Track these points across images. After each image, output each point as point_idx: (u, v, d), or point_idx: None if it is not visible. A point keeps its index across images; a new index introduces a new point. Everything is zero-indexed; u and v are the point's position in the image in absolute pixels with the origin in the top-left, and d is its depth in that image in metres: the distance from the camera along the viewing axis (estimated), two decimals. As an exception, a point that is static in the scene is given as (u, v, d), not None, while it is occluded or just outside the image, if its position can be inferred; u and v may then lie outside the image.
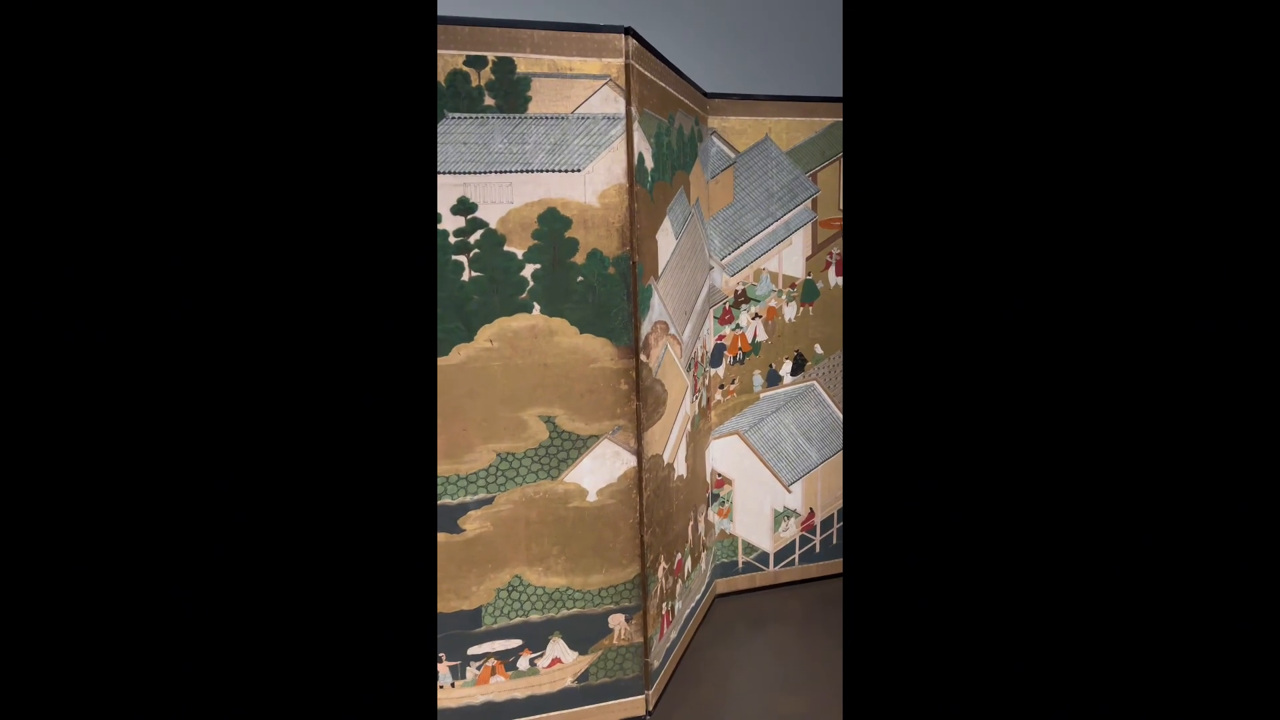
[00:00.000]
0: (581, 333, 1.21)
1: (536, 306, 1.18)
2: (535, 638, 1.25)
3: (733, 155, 1.65)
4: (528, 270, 1.17)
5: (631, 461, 1.26)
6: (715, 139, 1.63)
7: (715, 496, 1.75)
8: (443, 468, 1.17)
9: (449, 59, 1.09)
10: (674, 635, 1.48)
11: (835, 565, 1.89)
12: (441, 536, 1.18)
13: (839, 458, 1.86)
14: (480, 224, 1.14)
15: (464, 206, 1.13)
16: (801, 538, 1.85)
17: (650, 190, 1.29)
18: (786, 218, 1.72)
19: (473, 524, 1.20)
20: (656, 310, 1.33)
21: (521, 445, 1.20)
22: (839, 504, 1.88)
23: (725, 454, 1.75)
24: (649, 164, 1.28)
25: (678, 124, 1.42)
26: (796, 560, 1.85)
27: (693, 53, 1.90)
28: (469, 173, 1.12)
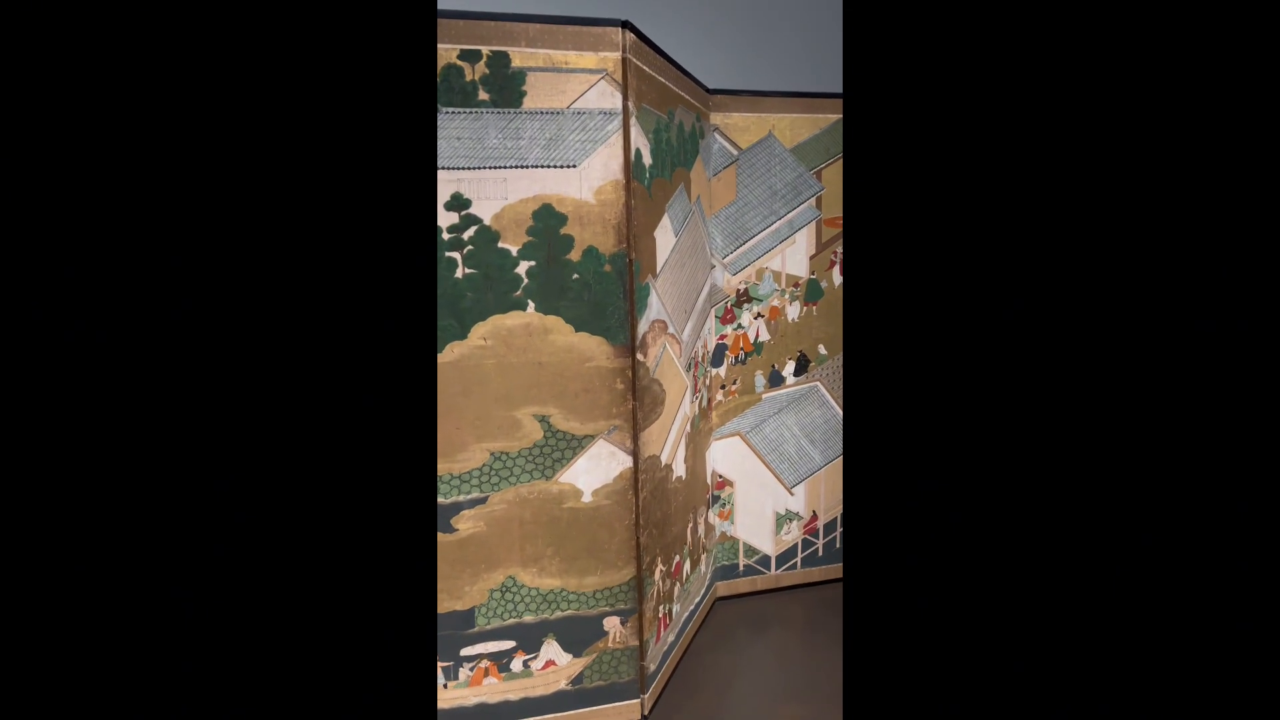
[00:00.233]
0: (577, 331, 1.19)
1: (531, 304, 1.17)
2: (529, 639, 1.24)
3: (735, 152, 1.63)
4: (522, 267, 1.15)
5: (627, 462, 1.24)
6: (717, 135, 1.61)
7: (716, 498, 1.73)
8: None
9: (443, 53, 1.08)
10: (671, 639, 1.46)
11: (838, 569, 1.86)
12: (434, 536, 1.17)
13: (842, 460, 1.83)
14: (474, 220, 1.13)
15: (458, 202, 1.12)
16: (804, 541, 1.82)
17: (648, 187, 1.27)
18: (790, 216, 1.69)
19: (466, 523, 1.18)
20: (654, 309, 1.31)
21: (515, 444, 1.19)
22: (843, 507, 1.85)
23: (726, 455, 1.73)
24: (647, 160, 1.26)
25: (678, 120, 1.40)
26: (799, 564, 1.82)
27: (695, 48, 1.88)
28: (463, 168, 1.11)
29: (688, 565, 1.55)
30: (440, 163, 1.10)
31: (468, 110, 1.10)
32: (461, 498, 1.18)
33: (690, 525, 1.56)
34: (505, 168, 1.13)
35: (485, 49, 1.10)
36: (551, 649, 1.25)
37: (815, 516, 1.83)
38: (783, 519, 1.79)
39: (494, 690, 1.23)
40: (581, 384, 1.20)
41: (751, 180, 1.66)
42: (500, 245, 1.14)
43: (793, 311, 1.73)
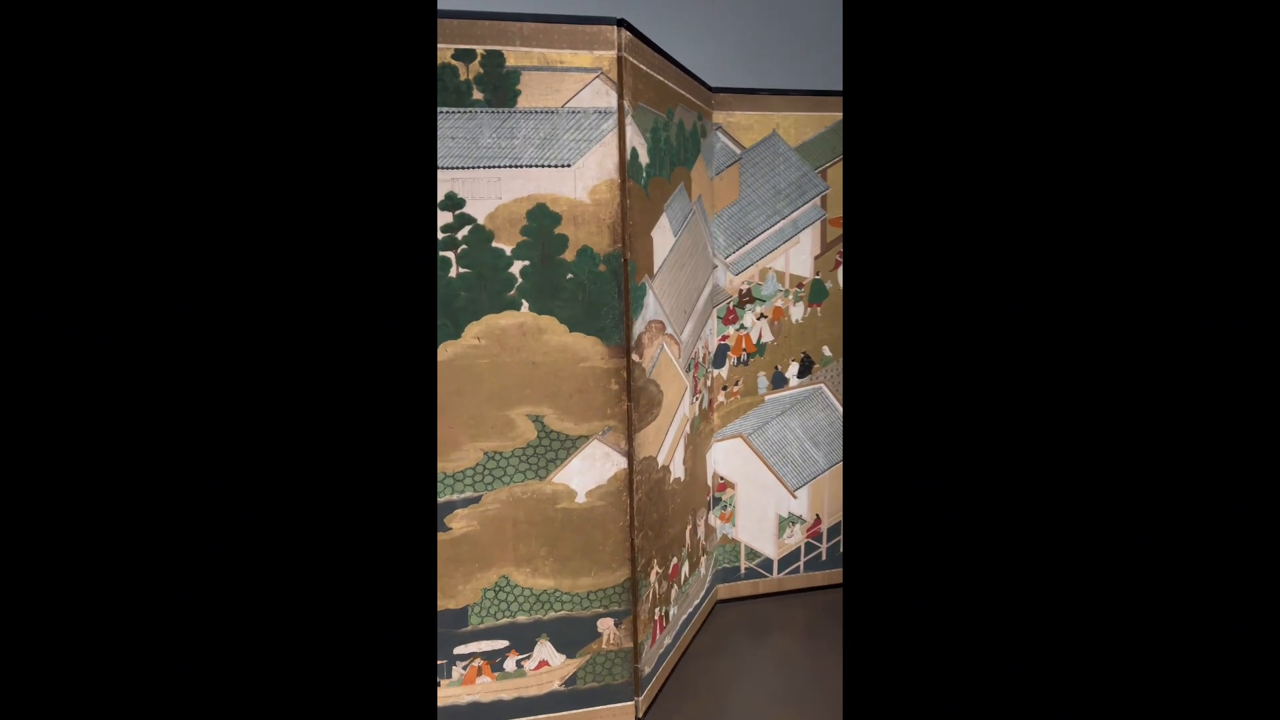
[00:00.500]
0: (571, 331, 1.19)
1: (525, 304, 1.16)
2: (522, 639, 1.23)
3: (738, 151, 1.62)
4: (516, 267, 1.15)
5: (622, 463, 1.24)
6: (720, 134, 1.60)
7: (717, 500, 1.72)
8: (429, 465, 1.16)
9: (438, 52, 1.08)
10: (668, 641, 1.45)
11: (842, 574, 1.84)
12: (427, 535, 1.17)
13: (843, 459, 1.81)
14: (468, 219, 1.13)
15: (452, 202, 1.12)
16: (807, 544, 1.80)
17: (645, 186, 1.26)
18: (794, 215, 1.67)
19: (459, 523, 1.18)
20: (651, 309, 1.30)
21: (509, 444, 1.19)
22: (843, 507, 1.83)
23: (728, 457, 1.71)
24: (644, 159, 1.25)
25: (677, 119, 1.39)
26: (801, 568, 1.80)
27: (698, 46, 1.86)
28: (457, 168, 1.11)
29: (686, 567, 1.54)
30: (434, 162, 1.10)
31: (462, 109, 1.10)
32: (455, 496, 1.18)
33: (689, 527, 1.54)
34: (499, 167, 1.13)
35: (480, 48, 1.10)
36: (545, 649, 1.25)
37: (819, 520, 1.80)
38: (785, 522, 1.78)
39: (487, 689, 1.23)
40: (576, 384, 1.20)
41: (755, 179, 1.64)
42: (494, 245, 1.14)
43: (797, 312, 1.71)
